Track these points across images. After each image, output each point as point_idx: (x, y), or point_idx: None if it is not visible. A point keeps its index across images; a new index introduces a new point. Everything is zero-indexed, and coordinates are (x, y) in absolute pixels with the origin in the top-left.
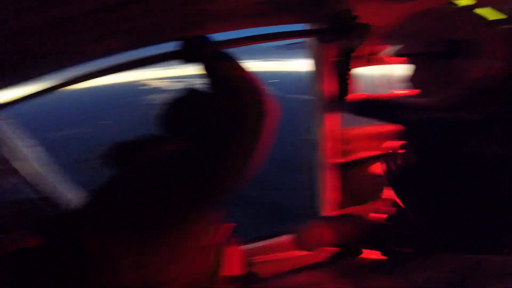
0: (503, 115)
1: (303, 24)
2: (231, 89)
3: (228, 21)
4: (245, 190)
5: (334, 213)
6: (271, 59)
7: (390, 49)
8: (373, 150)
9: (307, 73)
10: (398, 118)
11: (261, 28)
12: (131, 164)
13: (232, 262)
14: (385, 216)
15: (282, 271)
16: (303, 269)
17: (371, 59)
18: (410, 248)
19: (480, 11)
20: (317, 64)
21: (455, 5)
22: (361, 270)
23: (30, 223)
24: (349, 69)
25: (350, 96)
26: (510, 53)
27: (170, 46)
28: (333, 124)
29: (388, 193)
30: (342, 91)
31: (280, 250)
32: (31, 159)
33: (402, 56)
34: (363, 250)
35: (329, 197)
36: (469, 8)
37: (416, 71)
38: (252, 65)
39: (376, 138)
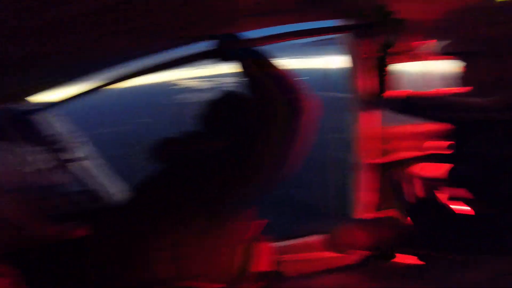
0: None
1: (336, 20)
2: (267, 88)
3: (263, 17)
4: (279, 188)
5: (370, 215)
6: (297, 56)
7: (431, 45)
8: (415, 150)
9: (335, 70)
10: (447, 117)
11: (293, 24)
12: (173, 159)
13: (262, 259)
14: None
15: (310, 271)
16: (332, 270)
17: (410, 55)
18: (447, 253)
19: None
20: (353, 60)
21: (495, 1)
22: (392, 274)
23: (78, 215)
24: (386, 65)
25: (389, 93)
26: None
27: (203, 46)
28: (371, 122)
29: (441, 195)
30: (381, 88)
31: (310, 250)
32: (80, 154)
33: (448, 54)
34: (397, 254)
35: (364, 199)
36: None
37: (468, 69)
38: (282, 63)
39: (419, 137)
